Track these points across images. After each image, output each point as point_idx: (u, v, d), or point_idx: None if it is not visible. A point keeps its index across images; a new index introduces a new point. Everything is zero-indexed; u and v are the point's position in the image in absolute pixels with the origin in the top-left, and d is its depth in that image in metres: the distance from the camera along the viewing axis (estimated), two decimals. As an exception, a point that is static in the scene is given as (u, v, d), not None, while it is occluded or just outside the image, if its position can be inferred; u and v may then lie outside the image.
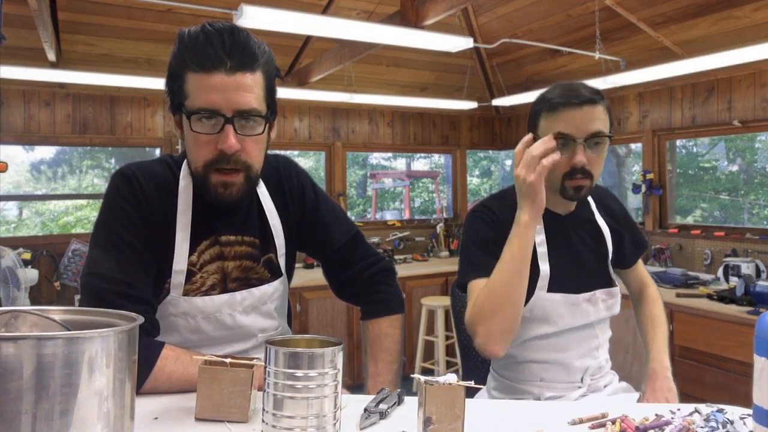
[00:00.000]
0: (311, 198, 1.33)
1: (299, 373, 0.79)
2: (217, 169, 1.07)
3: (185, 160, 1.19)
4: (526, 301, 1.36)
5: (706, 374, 3.11)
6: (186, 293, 1.16)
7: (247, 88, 1.05)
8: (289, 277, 1.36)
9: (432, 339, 4.30)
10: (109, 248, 1.09)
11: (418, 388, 0.90)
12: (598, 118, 1.34)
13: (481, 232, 1.41)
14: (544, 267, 1.41)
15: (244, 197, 1.13)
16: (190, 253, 1.16)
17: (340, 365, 0.83)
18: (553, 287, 1.42)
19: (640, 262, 1.67)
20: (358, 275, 1.35)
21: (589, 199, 1.55)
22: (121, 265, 1.08)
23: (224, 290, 1.20)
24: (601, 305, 1.48)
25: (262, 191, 1.26)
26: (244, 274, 1.22)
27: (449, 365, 4.32)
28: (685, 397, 3.23)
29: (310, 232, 1.33)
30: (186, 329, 1.17)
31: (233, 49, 1.03)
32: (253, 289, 1.22)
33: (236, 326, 1.21)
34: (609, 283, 1.52)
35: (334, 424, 0.83)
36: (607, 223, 1.55)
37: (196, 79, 1.04)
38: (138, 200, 1.12)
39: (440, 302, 4.22)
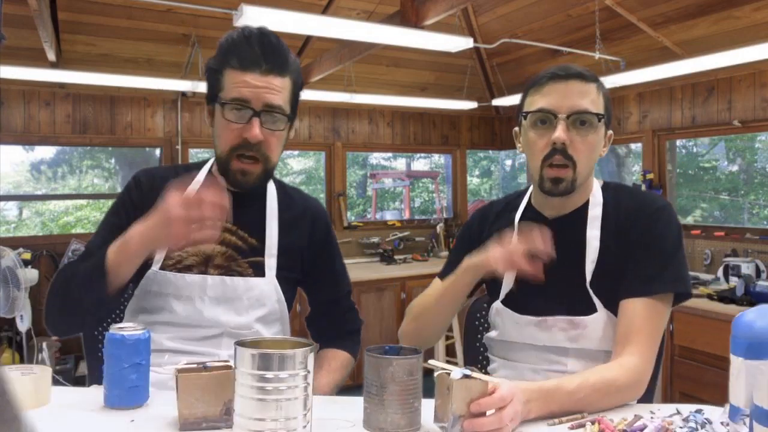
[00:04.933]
0: (331, 242, 1.44)
1: (269, 374, 0.79)
2: (239, 156, 1.21)
3: (209, 161, 1.36)
4: (497, 295, 1.33)
5: (706, 374, 3.10)
6: (163, 267, 1.25)
7: (276, 89, 1.19)
8: (289, 306, 1.36)
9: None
10: (98, 230, 1.28)
11: (439, 383, 0.91)
12: (587, 96, 1.18)
13: (459, 235, 1.46)
14: (507, 279, 1.30)
15: (258, 186, 1.27)
16: None
17: (311, 366, 0.82)
18: (504, 301, 1.30)
19: (639, 309, 1.14)
20: (335, 326, 1.46)
21: (598, 205, 1.25)
22: (102, 237, 1.23)
23: (203, 273, 1.26)
24: (559, 334, 1.21)
25: (271, 205, 1.34)
26: (227, 263, 1.27)
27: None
28: (685, 397, 3.25)
29: (319, 272, 1.41)
30: (159, 308, 1.24)
31: (269, 53, 1.18)
32: (226, 278, 1.25)
33: (205, 313, 1.23)
34: (579, 311, 1.20)
35: (305, 426, 0.82)
36: (606, 240, 1.22)
37: (233, 74, 1.18)
38: (130, 193, 1.30)
39: (440, 302, 4.20)
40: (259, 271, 1.29)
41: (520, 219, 1.32)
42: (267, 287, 1.29)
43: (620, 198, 1.26)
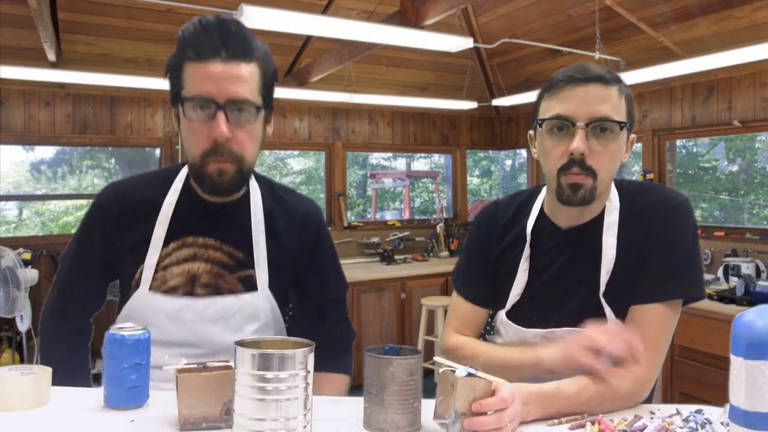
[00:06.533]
0: (321, 245, 1.34)
1: (269, 374, 0.78)
2: (214, 160, 1.11)
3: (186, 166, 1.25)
4: (504, 304, 1.27)
5: (706, 374, 3.10)
6: (151, 288, 1.20)
7: (242, 78, 1.08)
8: (285, 307, 1.32)
9: (432, 339, 4.30)
10: (67, 258, 1.29)
11: (443, 380, 0.91)
12: (608, 102, 1.10)
13: (469, 242, 1.37)
14: (516, 290, 1.23)
15: (235, 188, 1.17)
16: (162, 249, 1.21)
17: (311, 366, 0.82)
18: (510, 312, 1.25)
19: (649, 315, 1.11)
20: (324, 340, 1.39)
21: (614, 210, 1.19)
22: (71, 269, 1.28)
23: (190, 293, 1.20)
24: None
25: (257, 217, 1.26)
26: (214, 281, 1.20)
27: (449, 365, 4.32)
28: (685, 397, 3.25)
29: (307, 273, 1.33)
30: (154, 325, 1.18)
31: (229, 38, 1.07)
32: (218, 298, 1.20)
33: (200, 333, 1.19)
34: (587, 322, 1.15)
35: (305, 426, 0.82)
36: (623, 245, 1.16)
37: (193, 68, 1.08)
38: (94, 222, 1.26)
39: (440, 302, 4.21)
40: (249, 285, 1.23)
41: (532, 229, 1.25)
42: (260, 302, 1.23)
43: (636, 197, 1.19)
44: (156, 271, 1.20)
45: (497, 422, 0.88)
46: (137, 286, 1.20)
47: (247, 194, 1.26)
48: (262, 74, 1.13)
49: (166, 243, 1.21)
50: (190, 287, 1.20)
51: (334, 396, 1.29)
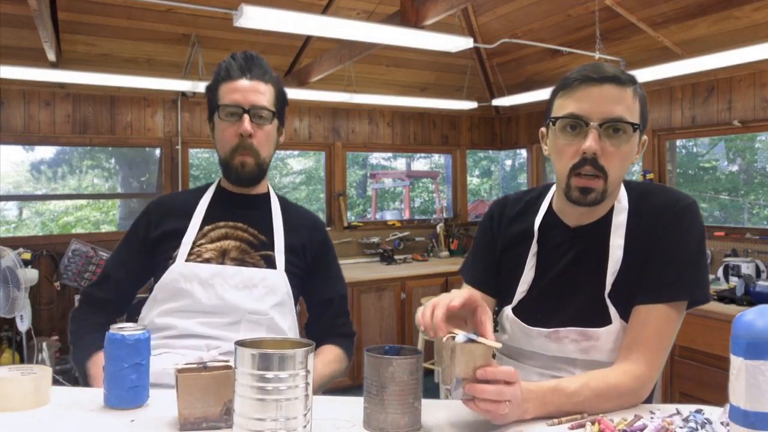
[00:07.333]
0: (328, 247, 1.60)
1: (269, 374, 0.79)
2: (239, 154, 1.43)
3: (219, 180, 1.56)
4: (509, 300, 1.28)
5: (706, 374, 3.10)
6: (186, 261, 1.42)
7: (261, 91, 1.43)
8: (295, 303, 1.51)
9: (432, 339, 4.29)
10: (114, 252, 1.55)
11: (445, 347, 0.91)
12: (622, 102, 1.09)
13: (478, 232, 1.41)
14: (522, 287, 1.24)
15: (254, 176, 1.46)
16: (197, 232, 1.46)
17: (311, 366, 0.82)
18: (515, 309, 1.25)
19: (652, 316, 1.10)
20: (329, 328, 1.56)
21: (623, 211, 1.19)
22: (116, 259, 1.52)
23: (221, 264, 1.42)
24: (570, 345, 1.17)
25: (276, 210, 1.53)
26: (241, 256, 1.44)
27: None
28: (685, 397, 3.25)
29: (316, 272, 1.56)
30: (186, 295, 1.38)
31: (252, 65, 1.45)
32: (243, 268, 1.42)
33: (227, 299, 1.38)
34: (593, 322, 1.15)
35: (305, 426, 0.82)
36: (630, 246, 1.16)
37: (225, 85, 1.43)
38: (145, 218, 1.52)
39: (440, 302, 4.21)
40: (269, 262, 1.45)
41: (540, 225, 1.26)
42: (278, 278, 1.44)
43: (645, 199, 1.19)
44: (192, 248, 1.43)
45: (497, 395, 0.89)
46: (173, 261, 1.41)
47: (268, 193, 1.56)
48: (276, 93, 1.49)
49: (201, 228, 1.46)
50: (221, 259, 1.43)
51: (330, 361, 1.45)
